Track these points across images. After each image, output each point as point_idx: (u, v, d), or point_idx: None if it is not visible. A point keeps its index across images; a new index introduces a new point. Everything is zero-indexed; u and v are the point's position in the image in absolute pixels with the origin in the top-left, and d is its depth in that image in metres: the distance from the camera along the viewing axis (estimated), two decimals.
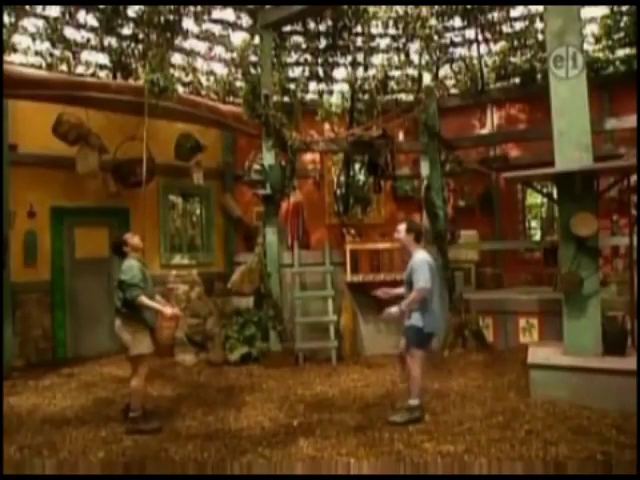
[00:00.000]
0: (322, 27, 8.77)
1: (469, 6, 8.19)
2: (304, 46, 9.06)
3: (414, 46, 8.95)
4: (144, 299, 4.30)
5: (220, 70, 9.08)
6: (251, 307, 7.39)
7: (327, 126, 9.60)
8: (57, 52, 7.32)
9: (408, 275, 4.61)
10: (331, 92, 9.57)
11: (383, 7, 8.55)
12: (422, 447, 3.67)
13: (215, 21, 8.47)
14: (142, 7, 7.33)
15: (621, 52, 8.08)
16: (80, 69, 7.58)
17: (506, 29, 8.66)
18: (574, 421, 4.03)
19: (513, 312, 6.90)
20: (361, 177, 10.16)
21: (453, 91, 9.38)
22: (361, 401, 4.89)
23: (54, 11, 7.20)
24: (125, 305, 4.34)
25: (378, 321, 6.84)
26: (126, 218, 8.20)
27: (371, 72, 9.21)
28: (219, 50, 8.85)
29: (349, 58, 9.12)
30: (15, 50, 7.09)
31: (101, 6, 7.19)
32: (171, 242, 9.13)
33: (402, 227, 4.79)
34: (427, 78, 8.94)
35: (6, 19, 6.73)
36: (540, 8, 7.51)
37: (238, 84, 8.99)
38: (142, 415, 4.33)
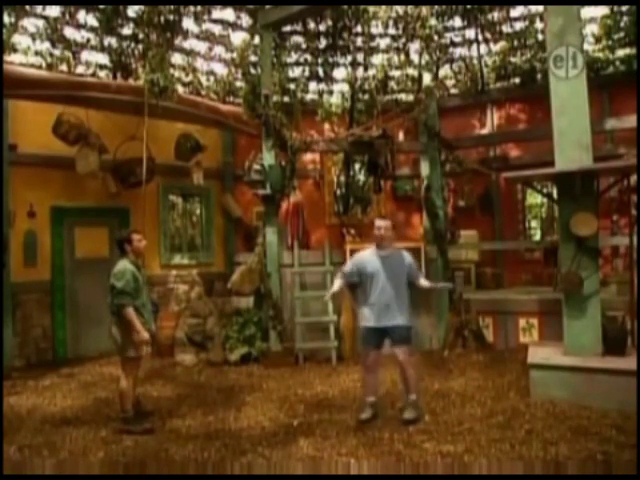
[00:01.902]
0: (322, 27, 8.77)
1: (469, 6, 8.18)
2: (304, 46, 9.06)
3: (414, 46, 8.94)
4: (129, 311, 4.23)
5: (220, 70, 9.10)
6: (251, 307, 7.39)
7: (327, 126, 9.60)
8: (57, 52, 7.32)
9: (397, 268, 4.68)
10: (331, 92, 9.56)
11: (383, 7, 8.54)
12: (422, 447, 3.67)
13: (215, 21, 8.47)
14: (142, 7, 7.32)
15: (621, 52, 8.07)
16: (80, 69, 7.57)
17: (506, 29, 8.65)
18: (574, 421, 4.03)
19: (513, 312, 6.90)
20: (361, 177, 10.16)
21: (453, 91, 9.38)
22: (361, 401, 4.88)
23: (54, 11, 7.20)
24: (115, 309, 4.31)
25: None
26: (126, 218, 8.20)
27: (371, 72, 9.20)
28: (219, 50, 8.86)
29: (349, 58, 9.11)
30: (15, 50, 7.09)
31: (101, 6, 7.19)
32: (171, 242, 9.13)
33: (388, 224, 4.81)
34: (427, 78, 8.94)
35: (6, 19, 6.72)
36: (540, 8, 7.51)
37: (238, 84, 8.99)
38: (133, 416, 4.32)
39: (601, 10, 8.08)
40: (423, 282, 4.90)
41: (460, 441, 3.74)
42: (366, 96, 9.03)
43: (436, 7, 8.34)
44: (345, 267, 5.03)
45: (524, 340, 6.66)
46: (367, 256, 4.90)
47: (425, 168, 7.78)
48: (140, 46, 7.62)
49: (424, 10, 8.35)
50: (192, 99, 8.09)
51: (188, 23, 8.04)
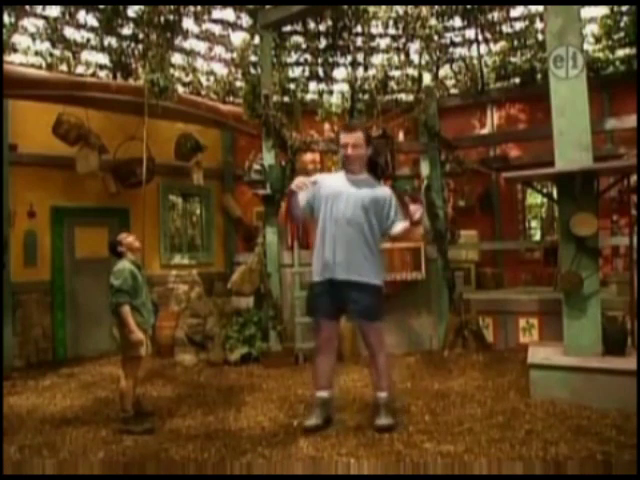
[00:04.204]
0: (322, 27, 8.77)
1: (469, 6, 8.18)
2: (304, 46, 9.06)
3: (414, 46, 8.96)
4: (125, 310, 4.23)
5: (220, 70, 9.10)
6: (251, 307, 7.39)
7: (327, 126, 9.60)
8: (57, 52, 7.32)
9: (371, 202, 3.62)
10: (331, 92, 9.56)
11: (383, 7, 8.54)
12: (422, 447, 3.67)
13: (215, 21, 8.47)
14: (142, 7, 7.33)
15: (621, 52, 8.08)
16: (80, 69, 7.58)
17: (506, 29, 8.66)
18: (574, 421, 4.02)
19: (513, 312, 6.90)
20: None
21: (453, 91, 9.38)
22: (361, 401, 4.88)
23: (54, 11, 7.20)
24: (114, 307, 4.31)
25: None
26: (126, 218, 8.20)
27: (371, 72, 9.21)
28: (219, 50, 8.86)
29: (349, 58, 9.12)
30: (15, 50, 7.09)
31: (101, 6, 7.19)
32: (171, 242, 9.13)
33: (360, 138, 3.63)
34: (427, 78, 8.93)
35: (6, 19, 6.73)
36: (540, 8, 7.51)
37: (238, 84, 8.99)
38: (133, 416, 4.32)
39: (601, 10, 8.09)
40: (396, 229, 3.74)
41: (460, 441, 3.73)
42: (366, 96, 9.03)
43: (436, 7, 8.34)
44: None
45: (524, 340, 6.66)
46: (331, 178, 3.90)
47: (425, 168, 7.78)
48: (140, 46, 7.62)
49: (424, 10, 8.35)
50: (192, 99, 8.09)
51: (188, 23, 8.05)
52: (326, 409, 3.95)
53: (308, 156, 9.71)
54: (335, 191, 3.65)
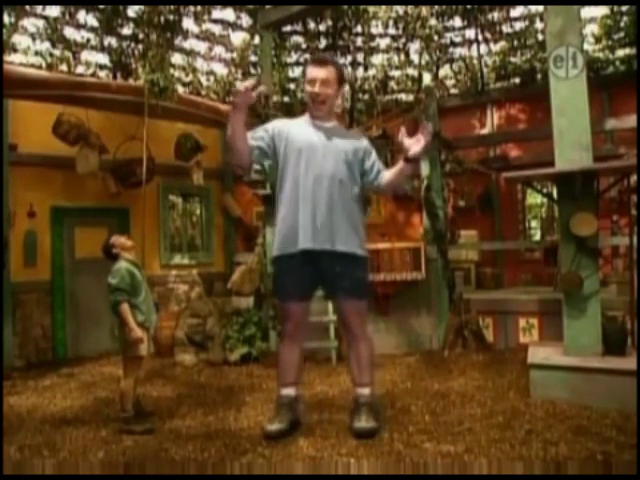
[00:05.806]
0: (322, 27, 8.78)
1: (469, 6, 8.19)
2: (304, 46, 9.07)
3: (414, 46, 8.98)
4: (124, 308, 4.22)
5: (220, 70, 9.10)
6: (251, 307, 7.39)
7: None
8: (57, 52, 7.33)
9: (346, 153, 3.03)
10: None
11: (383, 7, 8.55)
12: (422, 447, 3.66)
13: (215, 21, 8.48)
14: (142, 7, 7.33)
15: (621, 52, 8.08)
16: (80, 69, 7.59)
17: (506, 29, 8.67)
18: (574, 421, 4.02)
19: (513, 312, 6.90)
20: None
21: (453, 91, 9.38)
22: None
23: (54, 11, 7.20)
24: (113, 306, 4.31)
25: (376, 321, 6.87)
26: (126, 218, 8.20)
27: (371, 72, 9.21)
28: (219, 50, 8.87)
29: (349, 58, 9.13)
30: (15, 50, 7.10)
31: (101, 6, 7.20)
32: (171, 242, 9.13)
33: (331, 73, 3.00)
34: (427, 78, 8.94)
35: (6, 19, 6.73)
36: (540, 8, 7.52)
37: (238, 84, 8.99)
38: (134, 416, 4.32)
39: (601, 10, 8.09)
40: (386, 176, 3.17)
41: (460, 441, 3.73)
42: (366, 96, 9.03)
43: (436, 7, 8.35)
44: (255, 130, 3.18)
45: (524, 340, 6.66)
46: (296, 125, 3.17)
47: (425, 168, 7.78)
48: (140, 46, 7.63)
49: (424, 10, 8.35)
50: (192, 99, 8.10)
51: (188, 23, 8.07)
52: (292, 410, 3.48)
53: None
54: (308, 142, 3.01)
